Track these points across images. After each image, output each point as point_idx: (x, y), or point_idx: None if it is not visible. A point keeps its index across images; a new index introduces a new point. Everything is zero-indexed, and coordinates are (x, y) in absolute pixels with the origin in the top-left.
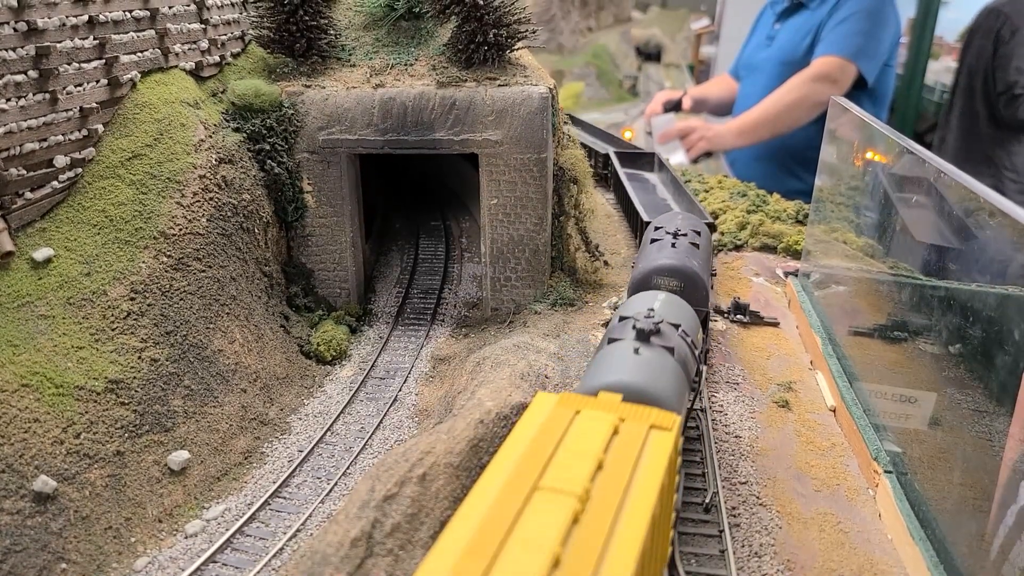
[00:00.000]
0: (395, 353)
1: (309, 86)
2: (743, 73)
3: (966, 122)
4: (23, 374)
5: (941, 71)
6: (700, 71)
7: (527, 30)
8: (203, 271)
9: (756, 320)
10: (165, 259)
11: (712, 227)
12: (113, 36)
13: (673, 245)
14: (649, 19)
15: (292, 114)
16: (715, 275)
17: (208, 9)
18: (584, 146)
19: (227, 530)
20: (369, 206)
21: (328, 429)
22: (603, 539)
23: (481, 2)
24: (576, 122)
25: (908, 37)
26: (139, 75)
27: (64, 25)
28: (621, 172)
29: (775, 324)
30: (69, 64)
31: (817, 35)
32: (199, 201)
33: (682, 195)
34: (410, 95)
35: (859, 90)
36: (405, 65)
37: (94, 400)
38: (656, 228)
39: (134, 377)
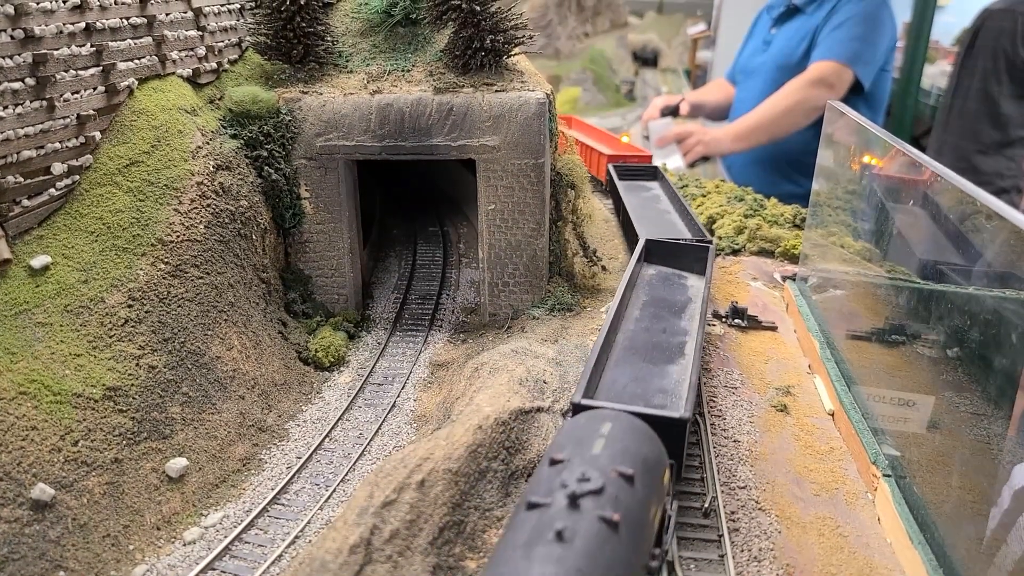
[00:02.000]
0: (393, 359)
1: (306, 92)
2: (739, 78)
3: (974, 124)
4: (21, 382)
5: (937, 75)
6: (697, 76)
7: (524, 36)
8: (201, 278)
9: (754, 324)
10: (163, 266)
11: (695, 425)
12: (110, 43)
13: (560, 535)
14: (646, 24)
15: (289, 120)
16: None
17: (205, 16)
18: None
19: (225, 537)
20: (367, 212)
21: (326, 435)
22: None
23: (478, 8)
24: (655, 181)
25: (904, 41)
26: (136, 82)
27: (61, 32)
28: (629, 275)
29: (773, 328)
30: (66, 71)
31: (813, 40)
32: (197, 208)
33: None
34: (407, 101)
35: (855, 95)
36: (402, 71)
37: (92, 408)
38: (552, 461)
39: (132, 384)
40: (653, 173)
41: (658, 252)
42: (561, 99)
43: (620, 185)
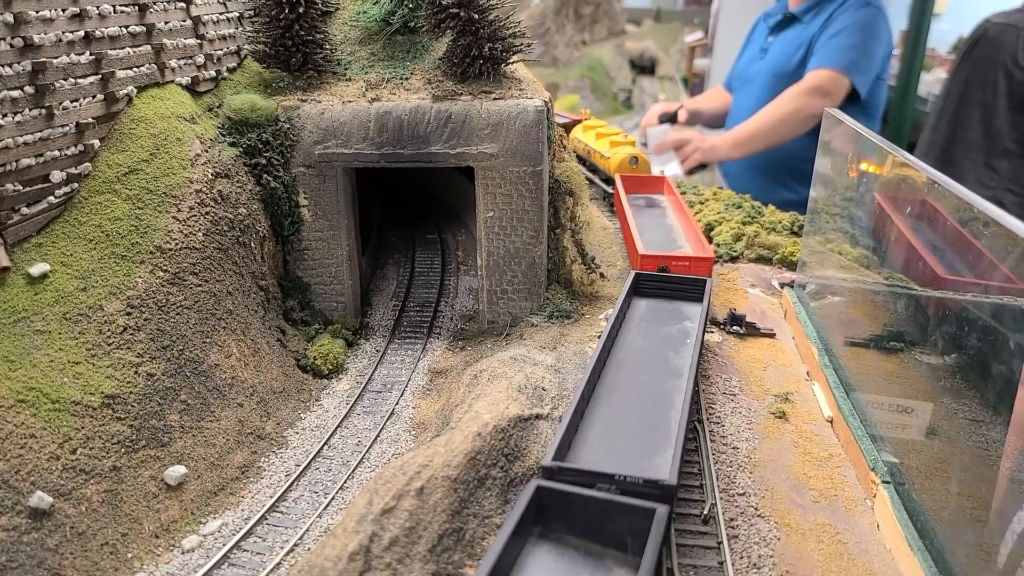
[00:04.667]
0: (392, 366)
1: (305, 100)
2: (736, 85)
3: (963, 130)
4: (19, 390)
5: (934, 83)
6: (694, 84)
7: (522, 44)
8: (199, 285)
9: (752, 331)
10: (161, 274)
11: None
12: (109, 51)
13: None
14: (643, 32)
15: (288, 128)
16: None
17: (204, 24)
18: None
19: (224, 545)
20: (365, 220)
21: (325, 443)
22: None
23: (476, 16)
24: None
25: (900, 49)
26: (135, 90)
27: (60, 41)
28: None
29: (771, 335)
30: (65, 79)
31: (810, 48)
32: (195, 215)
33: None
34: (406, 109)
35: (851, 103)
36: (400, 79)
37: (90, 415)
38: None
39: (131, 392)
40: (700, 289)
41: (566, 510)
42: (559, 107)
43: (635, 306)
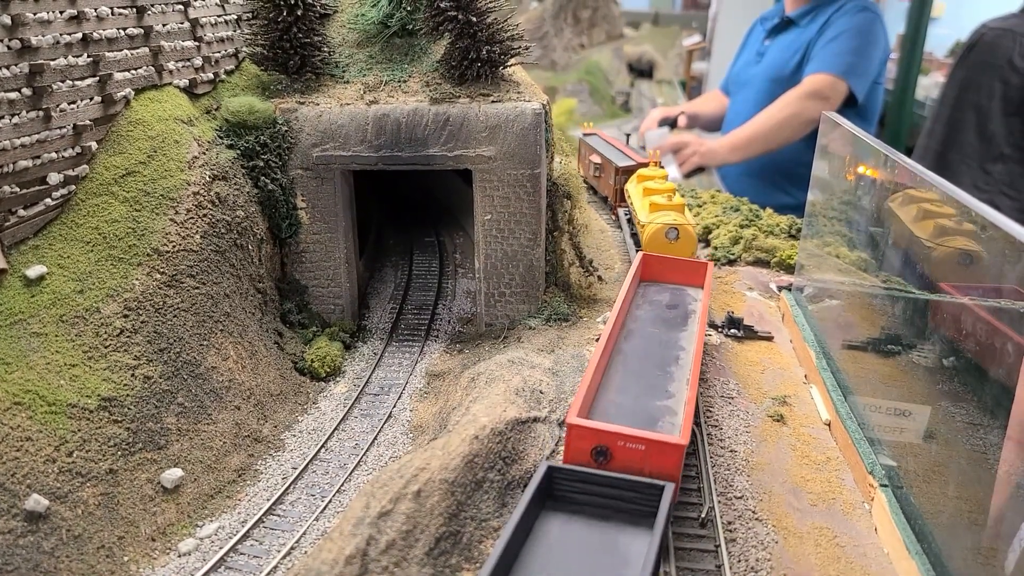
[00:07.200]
0: (389, 369)
1: (303, 103)
2: (732, 88)
3: (959, 134)
4: (15, 392)
5: (931, 86)
6: (692, 87)
7: (520, 47)
8: (197, 288)
9: (750, 334)
10: (159, 276)
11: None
12: (107, 54)
13: None
14: (641, 36)
15: (286, 131)
16: None
17: (202, 27)
18: None
19: (221, 548)
20: (363, 222)
21: (322, 446)
22: None
23: (474, 19)
24: None
25: (898, 53)
26: (133, 92)
27: (58, 43)
28: None
29: (769, 338)
30: (63, 82)
31: (807, 52)
32: (193, 218)
33: None
34: (404, 111)
35: (848, 107)
36: (398, 82)
37: (87, 418)
38: None
39: (127, 395)
40: (652, 506)
41: None
42: (557, 110)
43: (540, 532)
